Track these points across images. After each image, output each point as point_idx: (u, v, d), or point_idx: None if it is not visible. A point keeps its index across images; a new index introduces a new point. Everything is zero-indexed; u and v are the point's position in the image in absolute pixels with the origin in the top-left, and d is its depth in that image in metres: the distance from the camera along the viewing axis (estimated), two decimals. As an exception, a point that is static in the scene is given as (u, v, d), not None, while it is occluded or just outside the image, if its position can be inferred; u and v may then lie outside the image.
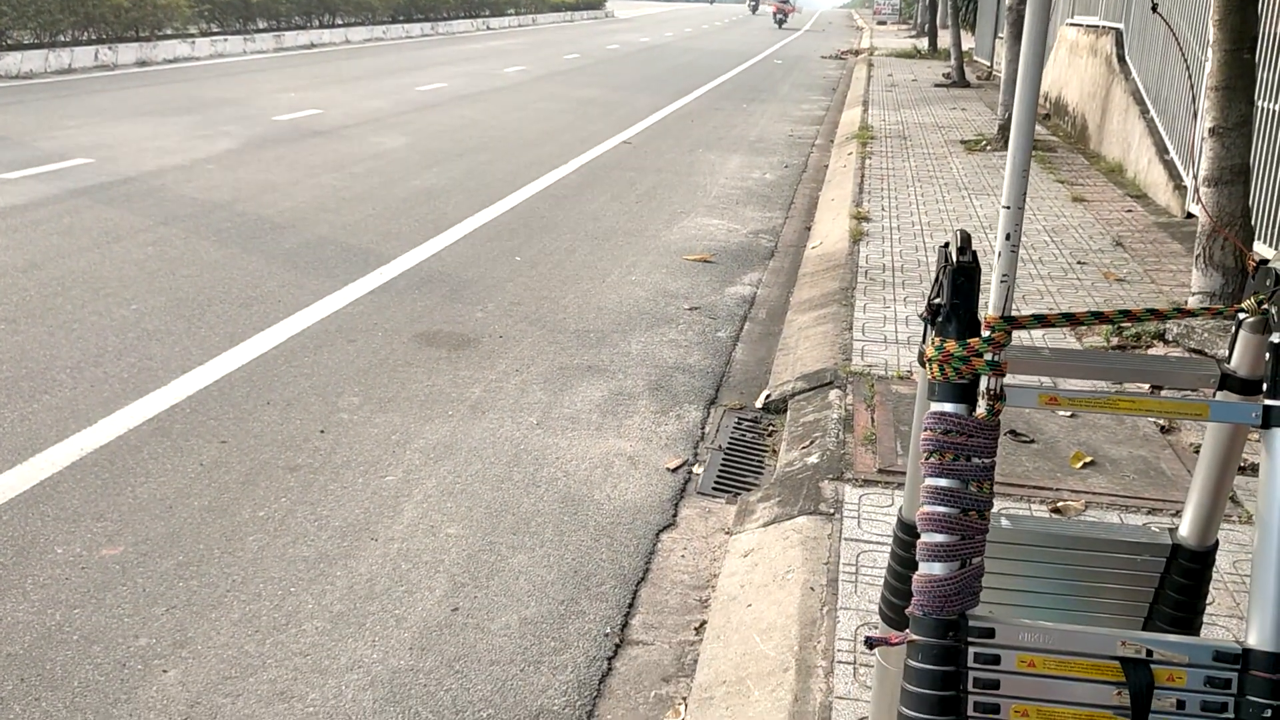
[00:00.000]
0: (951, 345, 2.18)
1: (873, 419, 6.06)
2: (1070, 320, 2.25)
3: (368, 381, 6.77)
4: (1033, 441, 5.73)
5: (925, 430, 2.19)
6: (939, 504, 2.16)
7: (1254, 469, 4.59)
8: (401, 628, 4.30)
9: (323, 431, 6.02)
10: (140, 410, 6.19)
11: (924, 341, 2.32)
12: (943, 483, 2.16)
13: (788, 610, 4.37)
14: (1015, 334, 2.23)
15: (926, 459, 2.18)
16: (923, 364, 2.30)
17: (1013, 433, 5.79)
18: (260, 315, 7.91)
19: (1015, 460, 5.50)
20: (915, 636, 2.17)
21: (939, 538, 2.16)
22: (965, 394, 2.18)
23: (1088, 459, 5.50)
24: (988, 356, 2.16)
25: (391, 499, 5.31)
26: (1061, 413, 6.07)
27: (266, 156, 14.24)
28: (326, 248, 9.86)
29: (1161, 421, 5.97)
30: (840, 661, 3.93)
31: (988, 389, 2.18)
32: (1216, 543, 2.53)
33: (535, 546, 4.97)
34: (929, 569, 2.16)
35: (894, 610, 2.66)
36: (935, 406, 2.19)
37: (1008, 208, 2.84)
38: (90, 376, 6.65)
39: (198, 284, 8.59)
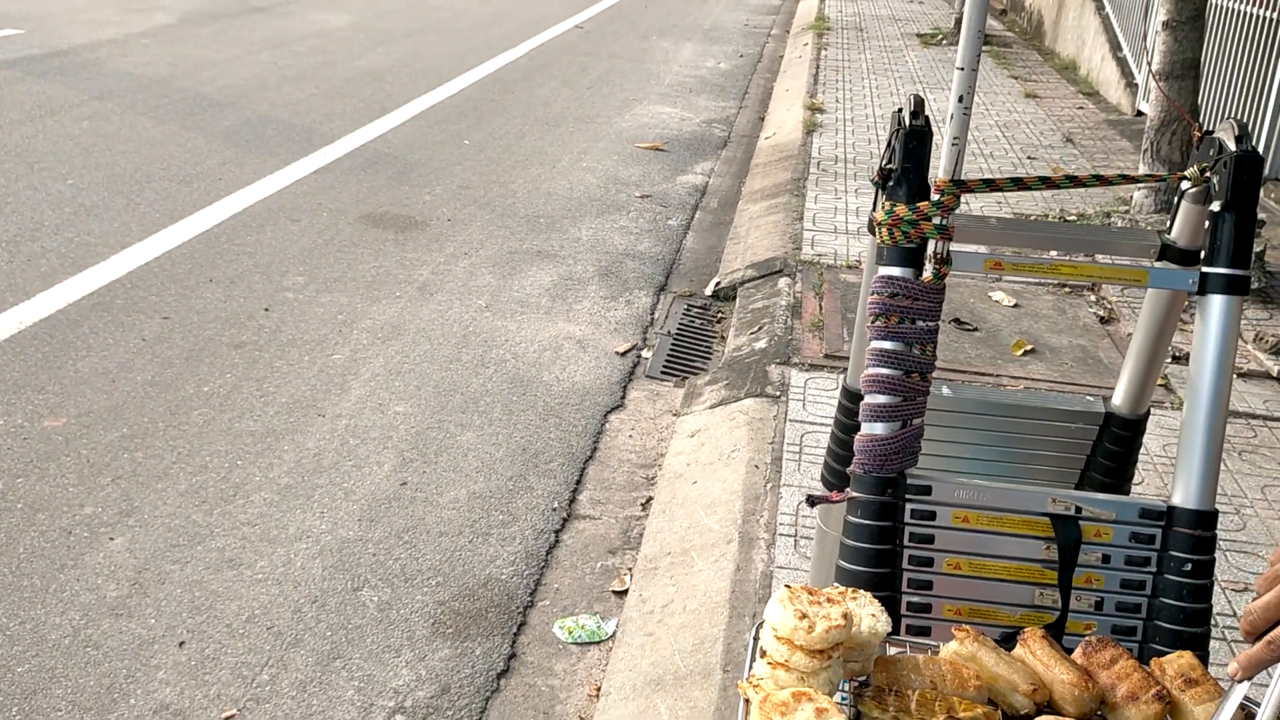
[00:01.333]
0: (901, 209, 2.19)
1: (820, 306, 6.11)
2: (1018, 184, 2.26)
3: (313, 261, 6.67)
4: (976, 330, 5.82)
5: (872, 294, 2.21)
6: (883, 366, 2.19)
7: (1188, 358, 4.69)
8: (350, 500, 4.33)
9: (267, 310, 5.94)
10: (79, 285, 6.06)
11: (874, 208, 2.33)
12: (887, 345, 2.19)
13: (732, 487, 4.46)
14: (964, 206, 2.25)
15: (873, 322, 2.21)
16: (872, 231, 2.31)
17: (956, 321, 5.88)
18: (201, 193, 7.72)
19: (958, 348, 5.60)
20: (855, 493, 2.22)
21: (882, 399, 2.20)
22: (913, 258, 2.20)
23: (1028, 347, 5.61)
24: (936, 220, 2.17)
25: (339, 377, 5.29)
26: (1005, 302, 6.16)
27: (204, 32, 13.74)
28: (268, 126, 9.61)
29: (1101, 312, 6.09)
30: (782, 534, 4.04)
31: (934, 253, 2.20)
32: (1148, 412, 2.61)
33: (484, 425, 4.99)
34: (871, 429, 2.21)
35: (835, 475, 2.72)
36: (883, 270, 2.21)
37: (961, 69, 2.83)
38: (27, 251, 6.48)
39: (135, 160, 8.35)
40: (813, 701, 1.46)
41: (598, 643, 3.71)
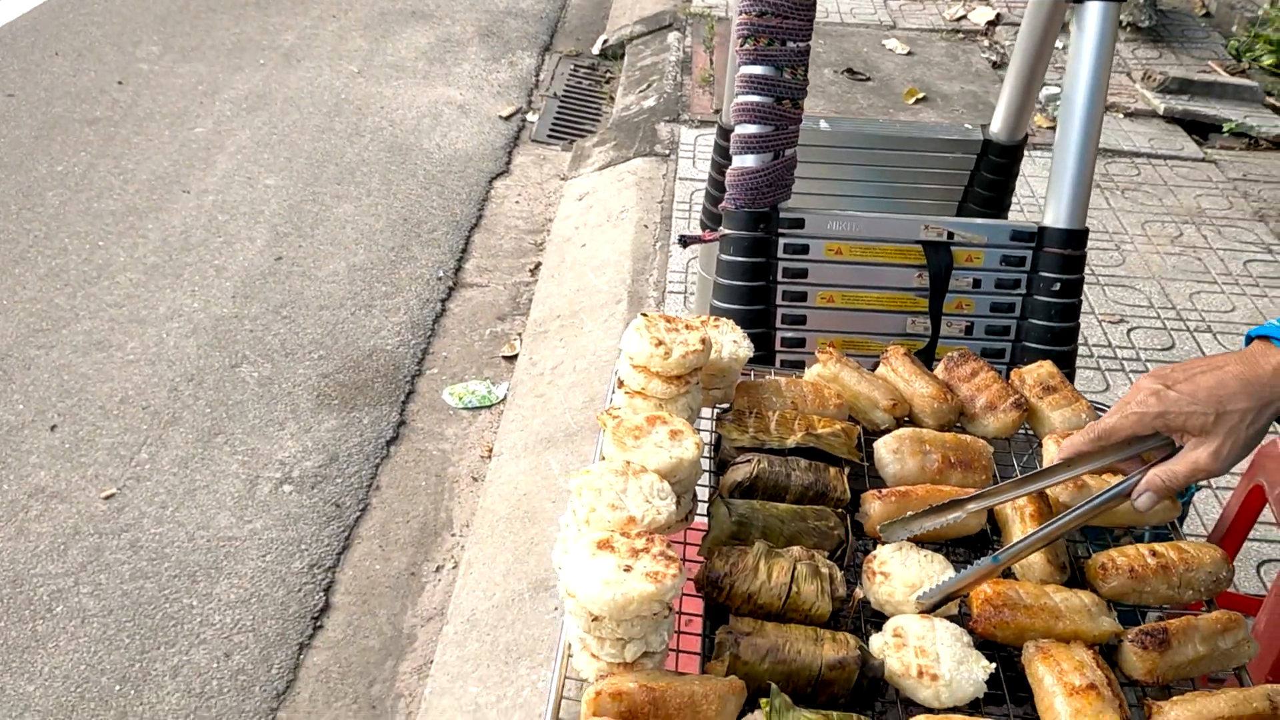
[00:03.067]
0: (768, -82, 2.02)
1: (711, 60, 5.89)
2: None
3: (167, 29, 6.17)
4: (869, 79, 5.69)
5: (740, 14, 2.07)
6: (753, 93, 2.08)
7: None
8: (223, 277, 4.15)
9: (121, 83, 5.52)
10: (-95, 63, 5.54)
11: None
12: (757, 70, 2.07)
13: (621, 248, 4.37)
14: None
15: (741, 45, 2.07)
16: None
17: (849, 71, 5.73)
18: (37, -42, 7.03)
19: (850, 98, 5.48)
20: (727, 230, 2.15)
21: (752, 129, 2.09)
22: (782, -29, 2.05)
23: (920, 95, 5.52)
24: (805, -72, 2.01)
25: (202, 151, 4.98)
26: (898, 50, 6.01)
27: None
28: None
29: (994, 57, 5.98)
30: (672, 292, 4.00)
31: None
32: (1026, 138, 2.55)
33: (361, 196, 4.78)
34: (742, 161, 2.11)
35: (711, 217, 2.64)
36: (751, -13, 2.06)
37: None
38: None
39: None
40: (667, 424, 1.42)
41: (489, 407, 3.68)
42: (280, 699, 2.64)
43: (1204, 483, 3.11)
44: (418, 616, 2.90)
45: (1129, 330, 3.87)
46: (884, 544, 1.40)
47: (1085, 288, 4.10)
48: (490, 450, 3.46)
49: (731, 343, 1.64)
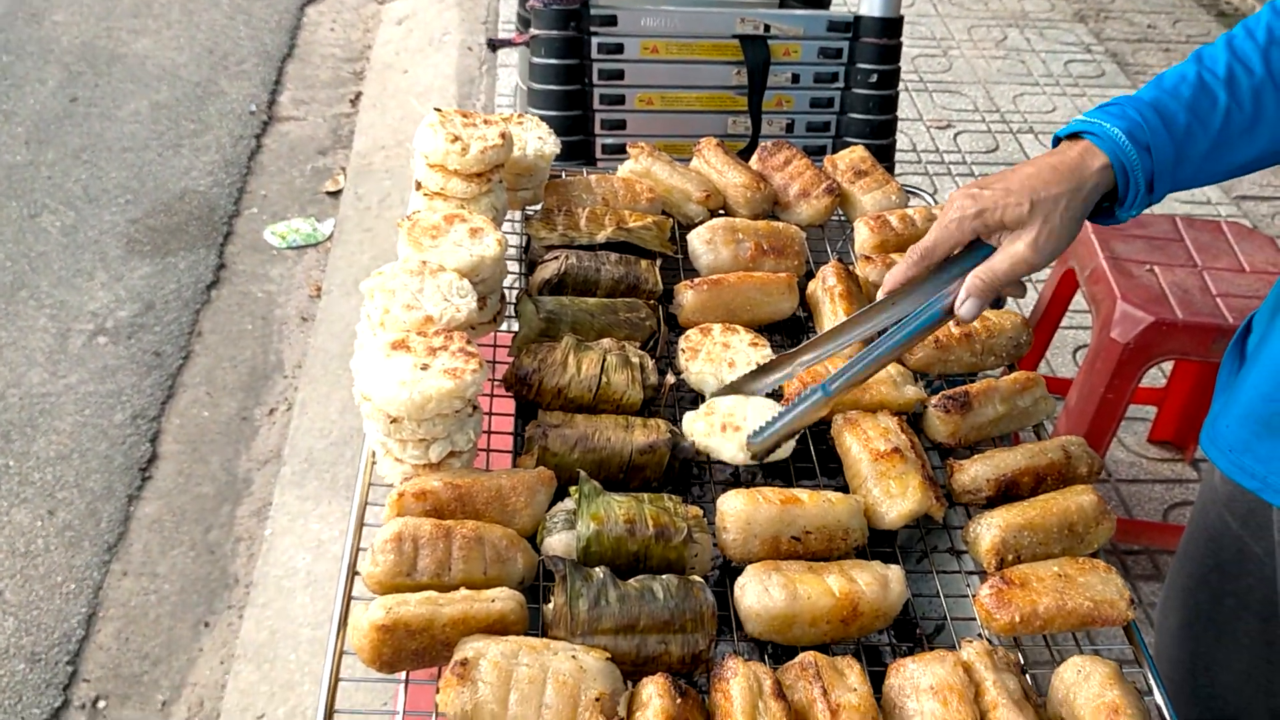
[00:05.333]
0: None
1: None
2: None
3: None
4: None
5: None
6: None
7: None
8: (12, 123, 3.81)
9: None
10: None
11: None
12: None
13: (445, 72, 4.18)
14: None
15: None
16: None
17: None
18: None
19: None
20: (537, 31, 2.04)
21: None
22: None
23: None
24: None
25: (-27, -17, 4.50)
26: None
27: None
28: None
29: None
30: (500, 109, 3.85)
31: None
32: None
33: (161, 30, 4.42)
34: (549, -44, 1.99)
35: (524, 21, 2.52)
36: None
37: None
38: None
39: None
40: (467, 222, 1.35)
41: (314, 245, 3.53)
42: (112, 551, 2.55)
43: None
44: (253, 460, 2.82)
45: (956, 135, 3.92)
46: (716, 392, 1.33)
47: (913, 95, 4.13)
48: (319, 289, 3.33)
49: (537, 139, 1.57)
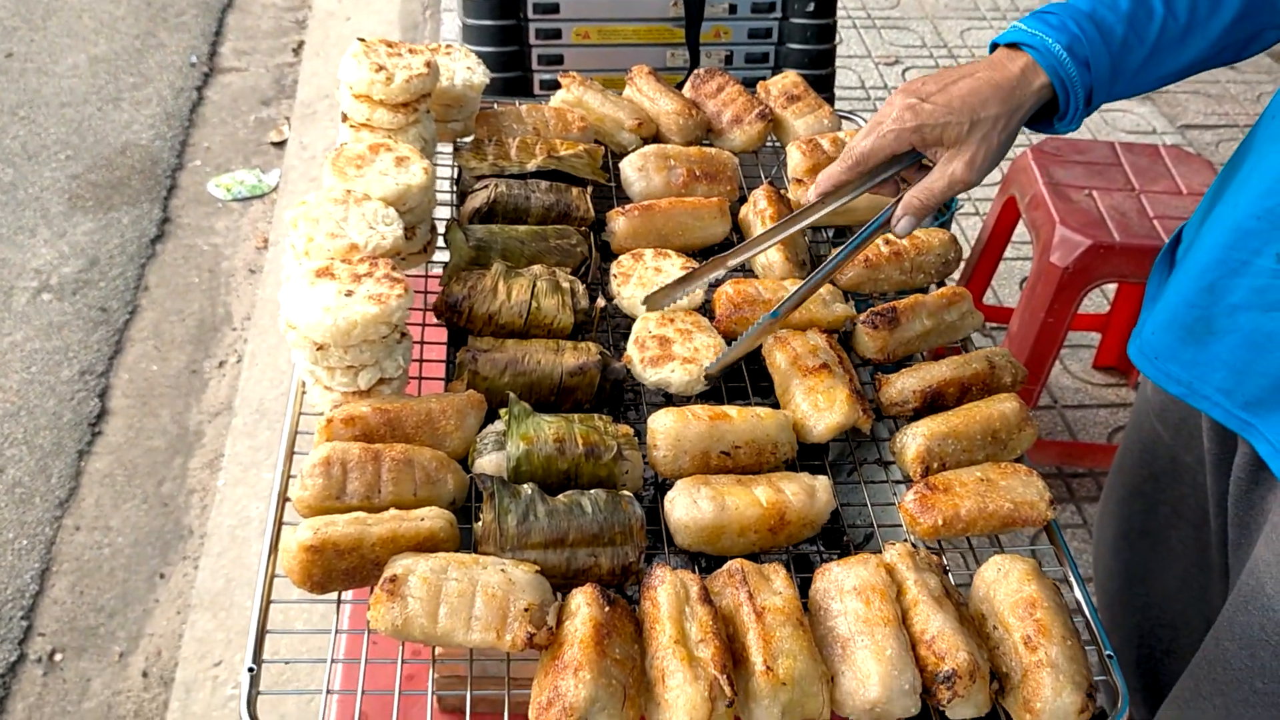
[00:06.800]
0: None
1: None
2: None
3: None
4: None
5: None
6: None
7: None
8: (-58, 79, 3.73)
9: None
10: None
11: None
12: None
13: (389, 18, 4.12)
14: None
15: None
16: None
17: None
18: None
19: None
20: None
21: None
22: None
23: None
24: None
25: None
26: None
27: None
28: None
29: None
30: (446, 61, 3.81)
31: None
32: None
33: (96, -20, 4.32)
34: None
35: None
36: None
37: None
38: None
39: None
40: (392, 151, 1.34)
41: (260, 196, 3.49)
42: (63, 507, 2.53)
43: (964, 197, 3.24)
44: (204, 413, 2.80)
45: (904, 71, 3.92)
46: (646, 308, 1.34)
47: (861, 32, 4.12)
48: (266, 240, 3.30)
49: (465, 69, 1.56)
